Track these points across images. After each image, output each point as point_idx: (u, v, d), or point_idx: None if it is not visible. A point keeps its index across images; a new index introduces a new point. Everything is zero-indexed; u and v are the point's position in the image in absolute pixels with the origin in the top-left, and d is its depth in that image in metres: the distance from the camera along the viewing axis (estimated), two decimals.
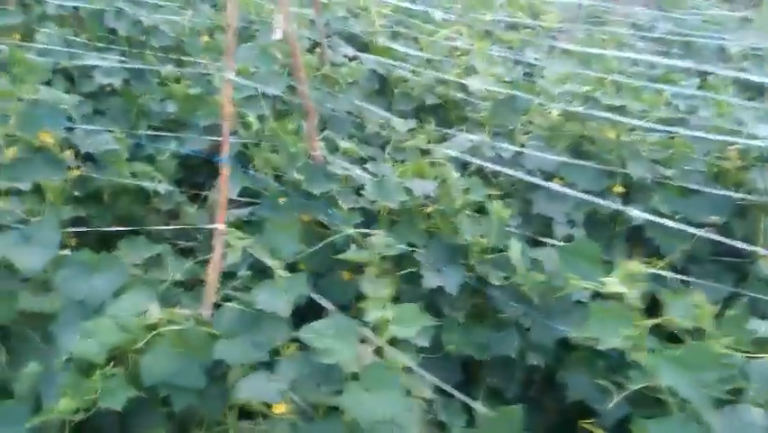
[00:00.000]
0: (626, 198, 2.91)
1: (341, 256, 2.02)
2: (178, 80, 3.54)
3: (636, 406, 2.22)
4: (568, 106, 2.84)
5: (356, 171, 2.46)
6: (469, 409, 2.07)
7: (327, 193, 2.35)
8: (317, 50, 3.60)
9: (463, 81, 3.31)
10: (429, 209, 2.41)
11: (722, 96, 3.06)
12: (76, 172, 2.80)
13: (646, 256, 2.89)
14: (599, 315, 1.69)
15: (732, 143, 2.75)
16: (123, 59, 3.63)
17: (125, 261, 1.99)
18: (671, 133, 2.87)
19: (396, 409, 1.57)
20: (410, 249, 2.13)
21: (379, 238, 1.98)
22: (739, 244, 2.29)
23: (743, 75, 3.16)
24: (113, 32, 3.88)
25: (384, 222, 2.29)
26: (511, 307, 2.27)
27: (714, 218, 2.75)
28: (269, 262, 1.85)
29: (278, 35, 3.35)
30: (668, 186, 2.81)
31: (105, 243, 2.56)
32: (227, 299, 1.96)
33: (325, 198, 2.35)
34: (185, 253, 2.58)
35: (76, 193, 2.67)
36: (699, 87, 3.87)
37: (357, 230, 2.16)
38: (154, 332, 1.70)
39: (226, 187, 1.93)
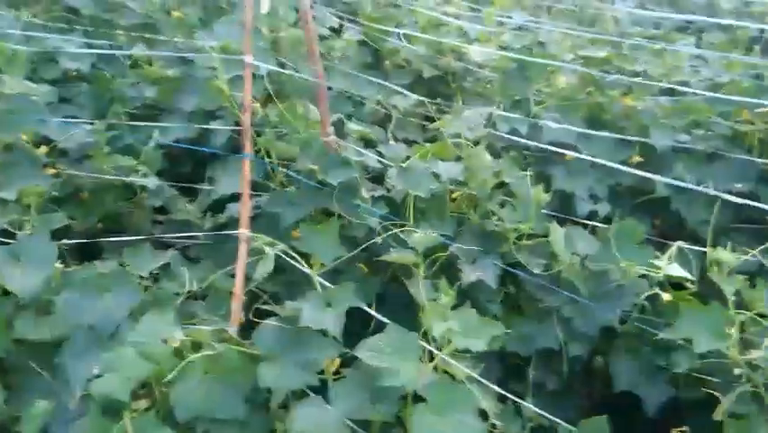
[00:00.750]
0: (645, 168, 2.77)
1: (384, 258, 1.81)
2: (150, 62, 3.25)
3: (682, 389, 2.12)
4: (585, 71, 2.66)
5: (371, 156, 2.25)
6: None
7: (346, 183, 2.13)
8: (301, 21, 3.33)
9: (464, 50, 3.09)
10: (455, 194, 2.22)
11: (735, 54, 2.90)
12: (52, 171, 2.53)
13: (668, 228, 2.78)
14: (690, 314, 1.53)
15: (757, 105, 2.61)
16: (87, 41, 3.31)
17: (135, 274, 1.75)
18: (690, 95, 2.73)
19: None
20: (448, 242, 1.93)
21: (422, 235, 1.78)
22: None
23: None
24: (73, 11, 3.54)
25: (410, 212, 2.09)
26: (552, 295, 2.11)
27: (739, 186, 2.63)
28: (307, 270, 1.63)
29: (265, 7, 3.09)
30: (689, 154, 2.68)
31: (89, 247, 2.32)
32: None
33: (344, 187, 2.13)
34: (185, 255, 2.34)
35: (54, 193, 2.39)
36: (697, 46, 3.75)
37: (387, 223, 1.95)
38: (186, 360, 1.47)
39: (249, 186, 1.69)
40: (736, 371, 1.80)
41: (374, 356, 1.45)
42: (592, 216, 2.53)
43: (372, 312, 1.68)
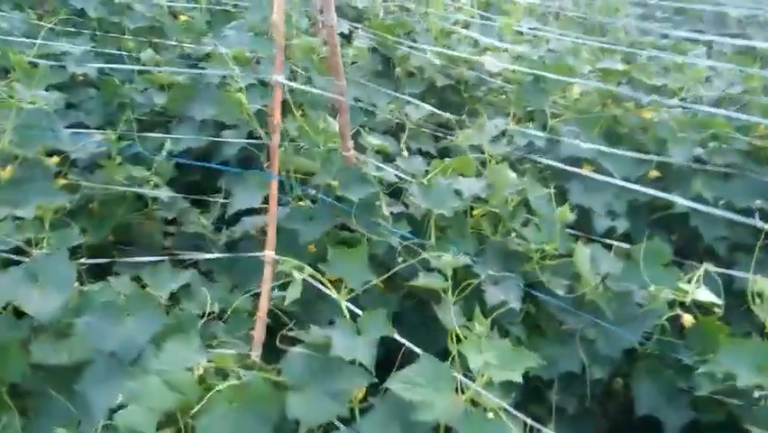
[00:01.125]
0: (663, 183, 2.74)
1: (413, 283, 1.77)
2: (158, 66, 3.19)
3: (702, 411, 2.10)
4: (602, 85, 2.62)
5: (390, 171, 2.21)
6: None
7: (365, 199, 2.09)
8: (311, 28, 3.29)
9: (478, 60, 3.05)
10: (476, 211, 2.18)
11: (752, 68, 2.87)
12: (62, 181, 2.47)
13: (684, 244, 2.75)
14: (731, 346, 1.50)
15: None
16: (94, 44, 3.25)
17: (156, 295, 1.70)
18: (706, 111, 2.69)
19: None
20: (474, 264, 1.90)
21: (451, 258, 1.73)
22: None
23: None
24: (80, 13, 3.48)
25: (432, 230, 2.06)
26: (574, 317, 2.08)
27: (759, 202, 2.60)
28: (335, 295, 1.59)
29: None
30: (707, 169, 2.64)
31: (98, 258, 2.27)
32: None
33: (363, 204, 2.09)
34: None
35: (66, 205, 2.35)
36: (708, 57, 3.71)
37: (408, 242, 1.91)
38: (213, 391, 1.43)
39: (275, 208, 1.65)
40: (756, 393, 1.78)
41: (407, 389, 1.42)
42: (610, 232, 2.50)
43: (402, 340, 1.63)
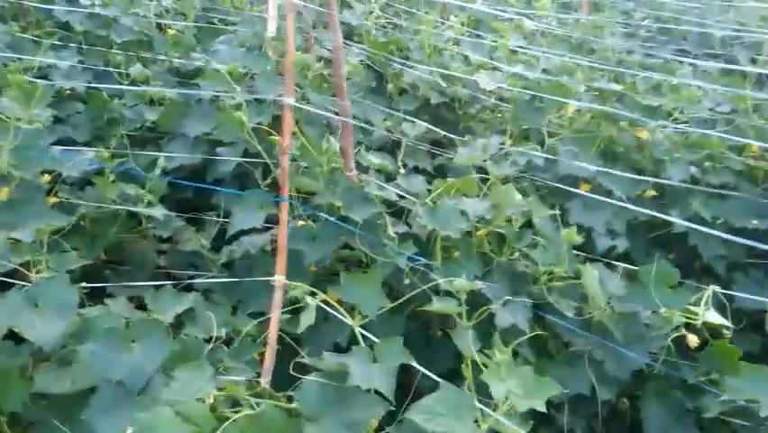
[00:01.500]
0: (660, 202, 2.75)
1: (427, 308, 1.73)
2: (147, 81, 3.13)
3: (708, 431, 2.10)
4: (601, 106, 2.63)
5: (392, 191, 2.17)
6: None
7: (370, 219, 2.05)
8: (304, 44, 3.26)
9: (472, 78, 3.04)
10: (479, 232, 2.16)
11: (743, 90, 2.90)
12: (53, 199, 2.40)
13: (682, 261, 2.76)
14: (753, 374, 1.48)
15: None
16: (81, 58, 3.18)
17: (162, 321, 1.64)
18: (703, 132, 2.71)
19: None
20: (484, 284, 1.87)
21: (463, 281, 1.70)
22: None
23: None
24: (65, 26, 3.41)
25: (438, 251, 2.03)
26: (582, 338, 2.06)
27: (755, 222, 2.63)
28: (350, 321, 1.55)
29: (271, 28, 3.00)
30: (703, 189, 2.66)
31: (94, 278, 2.20)
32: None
33: (367, 224, 2.06)
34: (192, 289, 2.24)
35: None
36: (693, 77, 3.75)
37: (415, 264, 1.88)
38: (227, 422, 1.38)
39: (285, 231, 1.60)
40: (763, 413, 1.78)
41: (428, 419, 1.38)
42: (610, 251, 2.50)
43: (422, 369, 1.59)
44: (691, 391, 2.09)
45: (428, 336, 2.28)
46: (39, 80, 1.96)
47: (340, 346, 2.00)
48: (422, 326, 2.27)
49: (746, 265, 2.62)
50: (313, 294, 1.60)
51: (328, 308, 1.63)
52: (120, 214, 2.41)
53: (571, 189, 2.49)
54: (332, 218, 2.09)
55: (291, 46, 1.65)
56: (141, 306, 1.97)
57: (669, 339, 2.06)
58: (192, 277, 2.49)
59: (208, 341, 1.72)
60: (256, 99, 2.76)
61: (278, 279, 1.61)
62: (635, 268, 2.10)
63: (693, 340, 2.04)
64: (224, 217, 2.54)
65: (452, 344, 2.06)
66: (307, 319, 1.57)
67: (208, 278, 2.31)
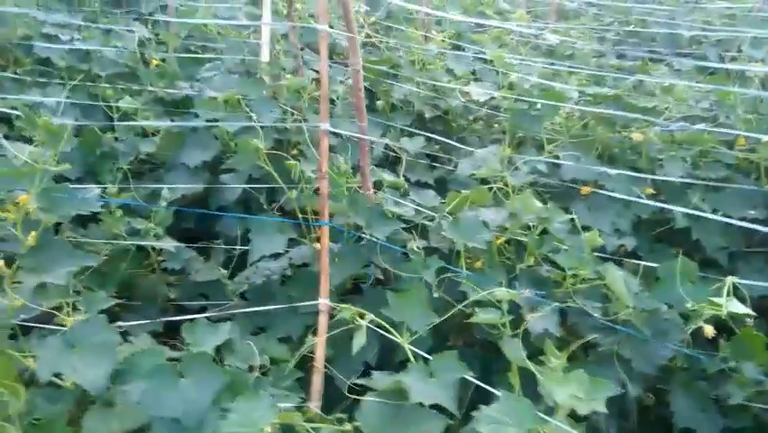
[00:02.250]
0: (660, 200, 2.81)
1: (473, 320, 1.73)
2: (136, 113, 3.09)
3: (731, 418, 2.14)
4: (595, 110, 2.69)
5: (409, 207, 2.19)
6: None
7: (391, 236, 2.06)
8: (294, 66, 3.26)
9: (463, 90, 3.08)
10: (498, 241, 2.18)
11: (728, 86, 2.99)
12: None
13: (686, 255, 2.82)
14: None
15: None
16: (69, 94, 3.13)
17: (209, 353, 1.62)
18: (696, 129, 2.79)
19: None
20: (530, 292, 1.89)
21: (504, 291, 1.71)
22: None
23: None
24: (45, 62, 3.35)
25: (462, 262, 2.04)
26: (609, 337, 2.09)
27: (752, 212, 2.70)
28: (399, 339, 1.55)
29: (264, 54, 3.00)
30: (701, 184, 2.73)
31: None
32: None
33: (390, 242, 2.06)
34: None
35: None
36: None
37: (444, 276, 1.89)
38: None
39: (327, 256, 1.60)
40: None
41: (497, 429, 1.38)
42: (617, 250, 2.54)
43: (479, 382, 1.60)
44: (716, 381, 2.14)
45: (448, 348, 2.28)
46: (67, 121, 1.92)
47: (369, 365, 2.00)
48: (441, 338, 2.27)
49: (747, 254, 2.69)
50: (361, 316, 1.60)
51: (377, 329, 1.63)
52: (130, 249, 2.37)
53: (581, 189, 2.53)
54: (354, 238, 2.09)
55: (324, 77, 1.66)
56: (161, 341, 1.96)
57: (689, 332, 2.11)
58: (204, 308, 2.47)
59: (249, 370, 1.70)
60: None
61: (323, 302, 1.61)
62: (648, 265, 2.15)
63: (710, 331, 2.10)
64: (233, 244, 2.53)
65: (474, 353, 2.09)
66: (359, 341, 1.56)
67: (226, 307, 2.29)
